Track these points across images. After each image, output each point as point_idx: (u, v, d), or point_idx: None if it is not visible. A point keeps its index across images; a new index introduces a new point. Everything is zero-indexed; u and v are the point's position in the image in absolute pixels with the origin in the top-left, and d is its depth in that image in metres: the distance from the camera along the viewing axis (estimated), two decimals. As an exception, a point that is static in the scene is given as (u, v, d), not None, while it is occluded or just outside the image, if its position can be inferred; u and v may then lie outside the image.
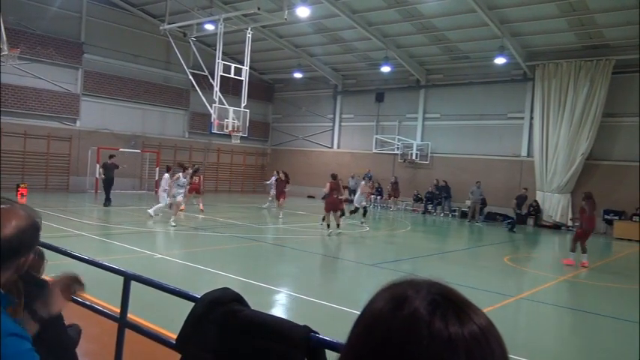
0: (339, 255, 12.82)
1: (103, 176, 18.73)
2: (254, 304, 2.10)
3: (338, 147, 31.33)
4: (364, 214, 17.52)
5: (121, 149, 24.74)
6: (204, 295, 2.10)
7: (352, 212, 18.22)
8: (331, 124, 31.57)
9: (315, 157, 31.85)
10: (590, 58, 21.52)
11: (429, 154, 26.94)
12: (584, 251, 12.40)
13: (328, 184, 15.06)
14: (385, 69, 25.57)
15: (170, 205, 15.20)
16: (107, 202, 18.51)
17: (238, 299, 2.05)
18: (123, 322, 3.16)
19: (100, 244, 11.57)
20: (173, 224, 14.42)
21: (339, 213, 14.91)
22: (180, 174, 15.40)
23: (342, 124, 31.25)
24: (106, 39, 25.35)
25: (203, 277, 9.15)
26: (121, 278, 3.11)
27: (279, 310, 7.36)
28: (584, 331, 7.63)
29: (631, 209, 20.11)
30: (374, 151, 28.73)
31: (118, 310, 3.21)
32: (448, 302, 0.66)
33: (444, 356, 0.61)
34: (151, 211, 15.50)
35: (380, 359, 0.65)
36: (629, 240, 18.64)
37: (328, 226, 14.90)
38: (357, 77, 30.31)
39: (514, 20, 21.04)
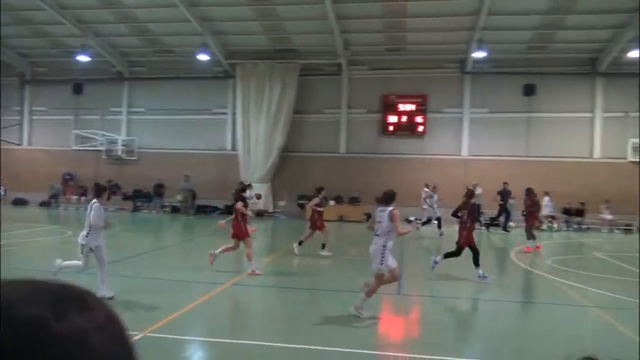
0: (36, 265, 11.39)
1: None
2: None
3: (29, 144, 27.64)
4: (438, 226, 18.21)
5: None
6: None
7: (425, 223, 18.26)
8: (19, 117, 27.59)
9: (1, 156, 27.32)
10: (281, 60, 24.04)
11: (136, 150, 26.09)
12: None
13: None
14: (83, 58, 23.62)
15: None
16: None
17: None
18: None
19: None
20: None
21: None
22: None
23: (33, 117, 27.66)
24: None
25: None
26: None
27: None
28: (291, 305, 8.54)
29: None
30: (73, 147, 26.27)
31: None
32: (63, 298, 0.59)
33: (59, 352, 0.57)
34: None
35: None
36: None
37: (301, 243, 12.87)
38: (49, 65, 27.16)
39: (215, 19, 21.93)
